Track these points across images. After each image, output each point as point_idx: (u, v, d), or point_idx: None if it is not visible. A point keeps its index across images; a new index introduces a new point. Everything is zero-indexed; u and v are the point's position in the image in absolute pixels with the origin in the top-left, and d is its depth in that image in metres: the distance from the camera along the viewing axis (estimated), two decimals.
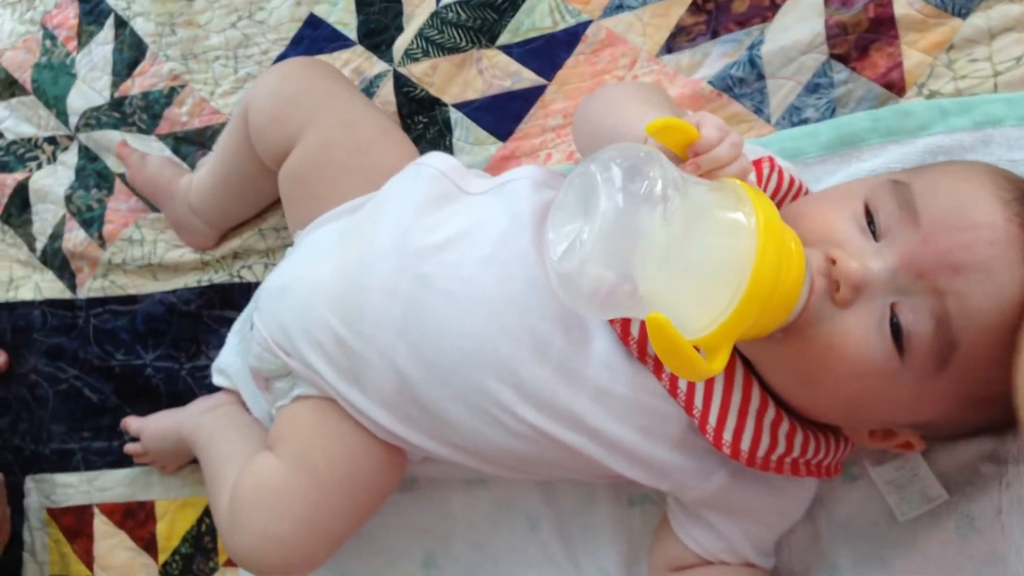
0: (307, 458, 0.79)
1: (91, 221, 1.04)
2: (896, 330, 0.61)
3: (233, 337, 0.96)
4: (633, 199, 0.54)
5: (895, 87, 0.81)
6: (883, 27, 0.81)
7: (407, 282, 0.73)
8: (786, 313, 0.59)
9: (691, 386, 0.68)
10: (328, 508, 0.78)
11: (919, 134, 0.79)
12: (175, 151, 1.04)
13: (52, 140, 1.09)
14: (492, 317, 0.71)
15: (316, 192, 0.85)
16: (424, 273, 0.73)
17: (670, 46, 0.88)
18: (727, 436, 0.68)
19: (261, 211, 0.99)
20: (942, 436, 0.71)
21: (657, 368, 0.69)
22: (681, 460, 0.71)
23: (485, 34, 0.93)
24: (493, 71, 0.93)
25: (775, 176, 0.70)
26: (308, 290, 0.79)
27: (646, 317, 0.54)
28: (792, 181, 0.72)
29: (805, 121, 0.84)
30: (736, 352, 0.69)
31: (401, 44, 0.96)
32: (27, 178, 1.08)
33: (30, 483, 1.03)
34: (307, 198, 0.86)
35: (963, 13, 0.79)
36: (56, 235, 1.06)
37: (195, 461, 0.96)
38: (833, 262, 0.61)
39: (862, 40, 0.82)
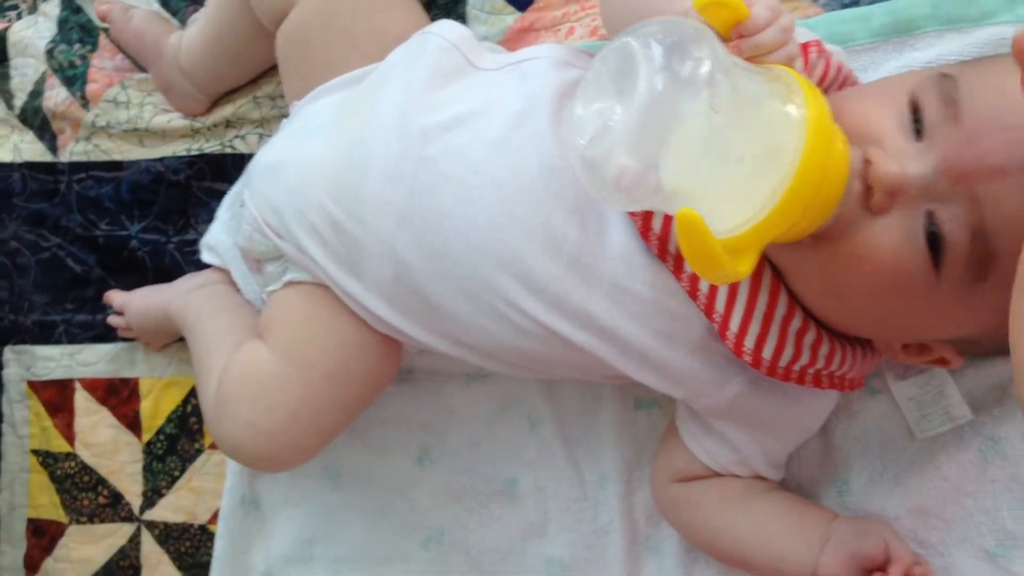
0: (298, 348, 0.75)
1: (73, 79, 0.97)
2: (933, 240, 0.57)
3: (223, 212, 0.91)
4: (675, 81, 0.51)
5: None
6: None
7: (410, 164, 0.68)
8: (826, 216, 0.56)
9: (713, 289, 0.64)
10: (318, 401, 0.75)
11: (983, 22, 0.73)
12: (164, 5, 0.96)
13: None
14: (502, 206, 0.66)
15: (315, 58, 0.79)
16: (428, 155, 0.68)
17: None
18: (748, 343, 0.65)
19: (256, 77, 0.93)
20: (980, 351, 0.68)
21: (677, 267, 0.65)
22: (698, 367, 0.68)
23: None
24: None
25: (821, 63, 0.65)
26: (303, 168, 0.74)
27: (677, 212, 0.51)
28: (840, 69, 0.67)
29: (857, 3, 0.78)
30: (765, 257, 0.64)
31: None
32: (5, 28, 1.00)
33: (9, 354, 0.99)
34: (305, 65, 0.80)
35: None
36: (36, 92, 0.99)
37: (182, 339, 0.92)
38: (869, 163, 0.57)
39: None
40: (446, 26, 0.75)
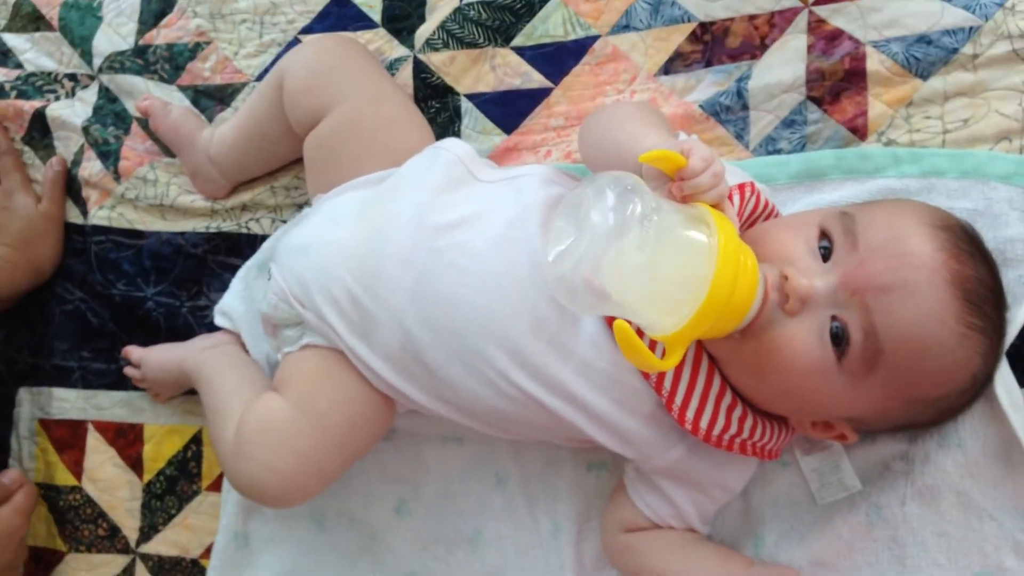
0: (311, 401, 0.87)
1: (108, 155, 1.10)
2: (835, 337, 0.72)
3: (237, 283, 1.03)
4: (618, 221, 0.64)
5: (859, 132, 0.93)
6: (855, 78, 0.93)
7: (422, 254, 0.82)
8: (740, 319, 0.70)
9: (662, 371, 0.78)
10: (326, 447, 0.86)
11: (874, 175, 0.90)
12: (194, 103, 1.09)
13: (73, 77, 1.13)
14: (498, 292, 0.80)
15: (340, 162, 0.93)
16: (438, 247, 0.82)
17: (668, 68, 0.99)
18: (690, 415, 0.79)
19: (274, 170, 1.06)
20: (871, 429, 0.83)
21: None
22: (648, 432, 0.82)
23: (502, 34, 1.02)
24: (505, 69, 1.02)
25: (754, 199, 0.81)
26: (329, 251, 0.86)
27: (614, 324, 0.65)
28: (767, 204, 0.83)
29: (779, 151, 0.95)
30: (703, 347, 0.79)
31: (424, 32, 1.04)
32: (44, 106, 1.12)
33: (24, 394, 1.09)
34: (331, 166, 0.93)
35: (924, 75, 0.91)
36: (76, 162, 1.11)
37: (186, 393, 1.03)
38: (786, 278, 0.73)
39: (836, 87, 0.93)
40: (454, 143, 0.90)
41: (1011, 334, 0.82)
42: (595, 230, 0.64)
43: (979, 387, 0.79)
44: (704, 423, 0.80)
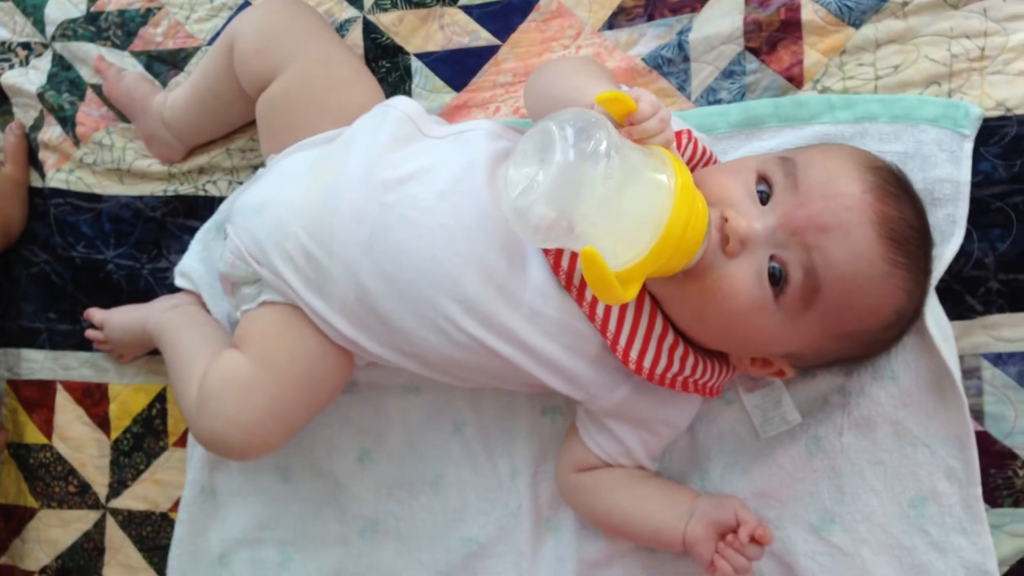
0: (271, 356, 0.90)
1: (65, 120, 1.11)
2: (773, 276, 0.76)
3: (196, 244, 1.05)
4: (582, 154, 0.66)
5: (795, 80, 0.96)
6: (791, 28, 0.96)
7: (373, 208, 0.84)
8: (690, 257, 0.72)
9: (607, 313, 0.82)
10: (287, 401, 0.89)
11: (810, 121, 0.93)
12: (148, 68, 1.11)
13: (26, 45, 1.14)
14: (447, 243, 0.82)
15: (292, 122, 0.95)
16: (388, 201, 0.84)
17: (611, 23, 1.01)
18: (633, 355, 0.82)
19: (229, 132, 1.08)
20: (807, 364, 0.87)
21: (580, 296, 0.82)
22: (594, 374, 0.85)
23: None
24: (453, 28, 1.04)
25: (691, 146, 0.85)
26: (282, 209, 0.89)
27: (581, 250, 0.66)
28: (704, 151, 0.86)
29: (719, 101, 0.98)
30: (646, 289, 0.83)
31: None
32: None
33: None
34: (283, 126, 0.96)
35: (857, 24, 0.94)
36: (36, 126, 1.12)
37: (148, 354, 1.06)
38: (726, 220, 0.76)
39: (772, 37, 0.96)
40: (402, 101, 0.93)
41: (939, 270, 0.86)
42: (559, 162, 0.65)
43: (905, 323, 0.83)
44: (647, 362, 0.83)
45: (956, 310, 0.89)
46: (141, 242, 1.09)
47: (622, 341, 0.82)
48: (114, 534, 1.06)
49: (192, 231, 1.07)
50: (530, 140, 0.70)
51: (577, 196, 0.66)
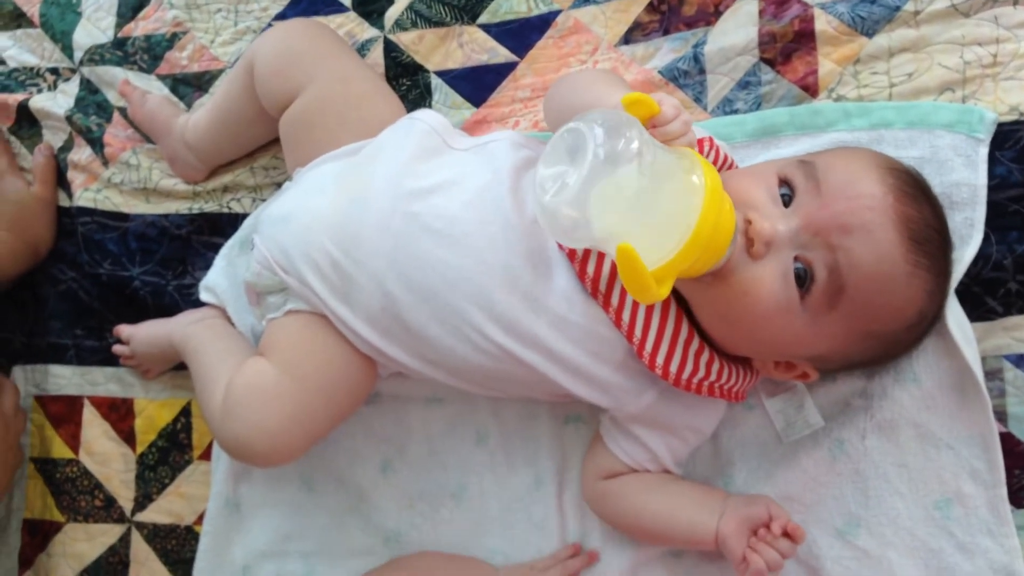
0: (296, 364, 0.90)
1: (93, 141, 1.14)
2: (798, 277, 0.77)
3: (220, 260, 1.06)
4: (612, 153, 0.67)
5: (810, 89, 0.97)
6: (805, 39, 0.97)
7: (399, 218, 0.86)
8: (718, 257, 0.73)
9: (632, 318, 0.83)
10: (312, 408, 0.90)
11: (826, 129, 0.94)
12: (173, 91, 1.14)
13: (55, 71, 1.17)
14: (472, 252, 0.84)
15: (315, 137, 0.97)
16: (414, 212, 0.86)
17: (628, 38, 1.03)
18: (660, 360, 0.83)
19: (252, 151, 1.10)
20: (831, 367, 0.87)
21: (606, 302, 0.83)
22: (621, 379, 0.86)
23: (468, 12, 1.07)
24: (472, 45, 1.07)
25: (713, 152, 0.86)
26: (309, 219, 0.90)
27: (618, 247, 0.66)
28: (725, 158, 0.88)
29: (735, 111, 0.99)
30: (672, 294, 0.83)
31: (392, 14, 1.08)
32: (27, 99, 1.16)
33: (18, 372, 1.13)
34: (306, 142, 0.97)
35: (870, 33, 0.96)
36: (65, 147, 1.15)
37: (174, 369, 1.07)
38: (749, 223, 0.77)
39: (787, 48, 0.98)
40: (428, 114, 0.94)
41: (958, 273, 0.87)
42: (591, 162, 0.66)
43: (926, 324, 0.84)
44: (674, 368, 0.84)
45: (976, 312, 0.89)
46: (166, 259, 1.11)
47: (648, 346, 0.83)
48: (139, 548, 1.07)
49: (216, 248, 1.08)
50: (561, 140, 0.70)
51: (608, 195, 0.66)
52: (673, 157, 0.71)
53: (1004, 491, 0.87)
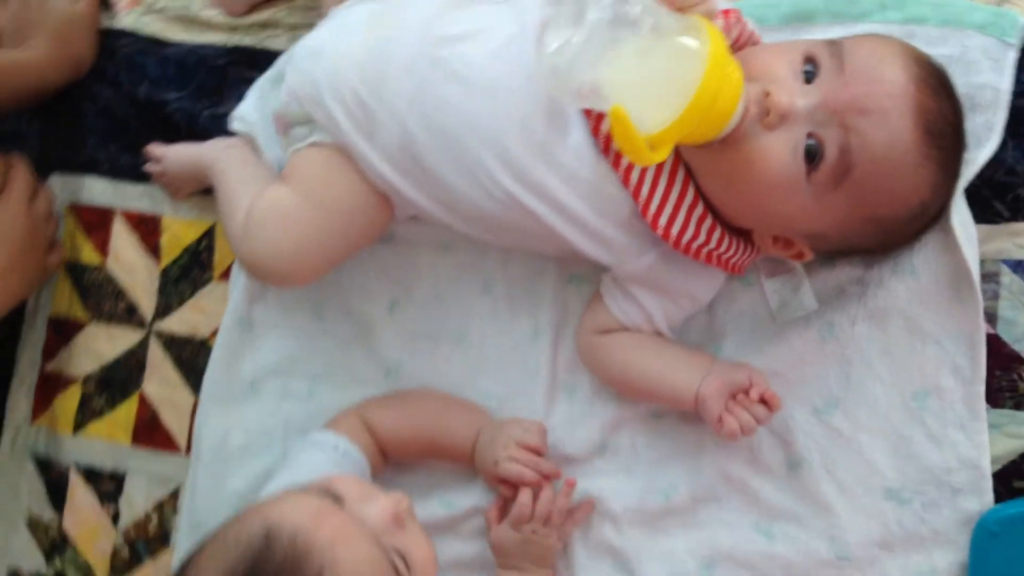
0: (315, 190, 0.94)
1: None
2: (808, 153, 0.78)
3: (253, 94, 1.09)
4: (616, 16, 0.69)
5: None
6: None
7: (425, 62, 0.88)
8: (720, 127, 0.75)
9: (640, 179, 0.85)
10: (327, 232, 0.94)
11: (860, 19, 0.94)
12: None
13: None
14: (492, 100, 0.86)
15: None
16: (441, 56, 0.88)
17: None
18: (662, 221, 0.86)
19: None
20: (828, 248, 0.89)
21: (616, 161, 0.85)
22: (624, 237, 0.89)
23: None
24: None
25: (739, 26, 0.86)
26: (340, 54, 0.92)
27: (610, 109, 0.69)
28: (752, 34, 0.88)
29: None
30: (680, 158, 0.85)
31: None
32: None
33: (56, 180, 1.18)
34: None
35: None
36: None
37: (203, 193, 1.11)
38: (768, 94, 0.78)
39: None
40: None
41: (970, 173, 0.88)
42: (592, 23, 0.68)
43: (928, 218, 0.86)
44: (675, 230, 0.86)
45: (983, 214, 0.91)
46: (202, 88, 1.14)
47: (653, 206, 0.86)
48: (156, 353, 1.13)
49: (251, 82, 1.10)
50: (568, 2, 0.72)
51: (609, 57, 0.69)
52: (678, 22, 0.72)
53: (982, 388, 0.90)
